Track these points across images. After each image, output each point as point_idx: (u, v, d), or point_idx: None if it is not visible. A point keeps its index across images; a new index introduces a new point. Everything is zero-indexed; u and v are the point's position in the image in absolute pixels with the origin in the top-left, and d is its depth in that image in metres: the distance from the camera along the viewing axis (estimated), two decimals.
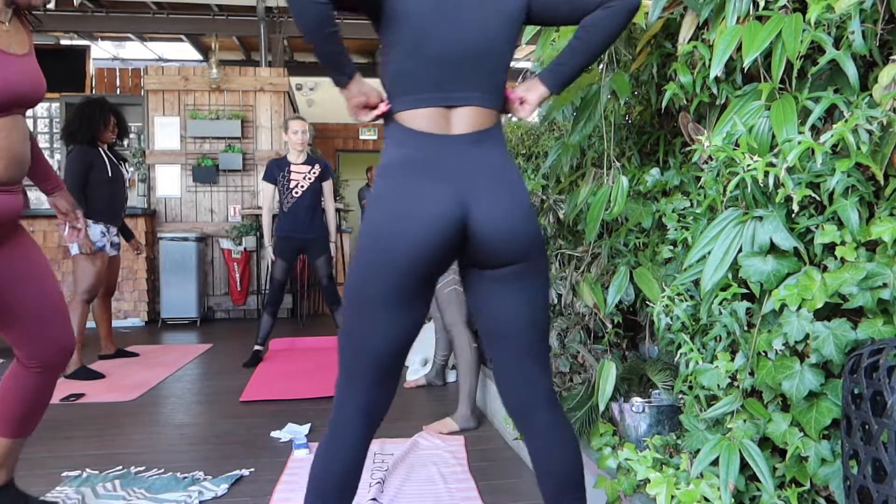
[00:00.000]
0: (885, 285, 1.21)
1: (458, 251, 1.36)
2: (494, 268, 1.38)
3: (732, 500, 1.41)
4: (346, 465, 1.41)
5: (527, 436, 1.46)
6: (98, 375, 3.82)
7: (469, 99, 1.36)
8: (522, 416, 1.45)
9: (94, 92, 6.73)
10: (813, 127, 1.35)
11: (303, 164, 4.30)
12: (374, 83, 1.38)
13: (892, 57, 1.28)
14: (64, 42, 6.78)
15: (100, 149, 3.98)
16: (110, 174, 3.96)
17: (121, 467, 2.44)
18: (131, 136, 6.51)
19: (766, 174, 1.31)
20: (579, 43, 1.40)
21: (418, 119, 1.35)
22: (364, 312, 1.35)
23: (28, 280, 1.91)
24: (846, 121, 1.25)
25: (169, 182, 6.49)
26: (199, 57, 7.22)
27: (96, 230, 3.87)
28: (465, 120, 1.37)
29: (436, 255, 1.31)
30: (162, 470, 2.42)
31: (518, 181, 1.38)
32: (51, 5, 1.81)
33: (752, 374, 1.43)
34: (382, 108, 1.38)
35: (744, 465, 1.38)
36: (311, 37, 1.26)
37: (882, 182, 1.28)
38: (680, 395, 1.83)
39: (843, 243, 1.28)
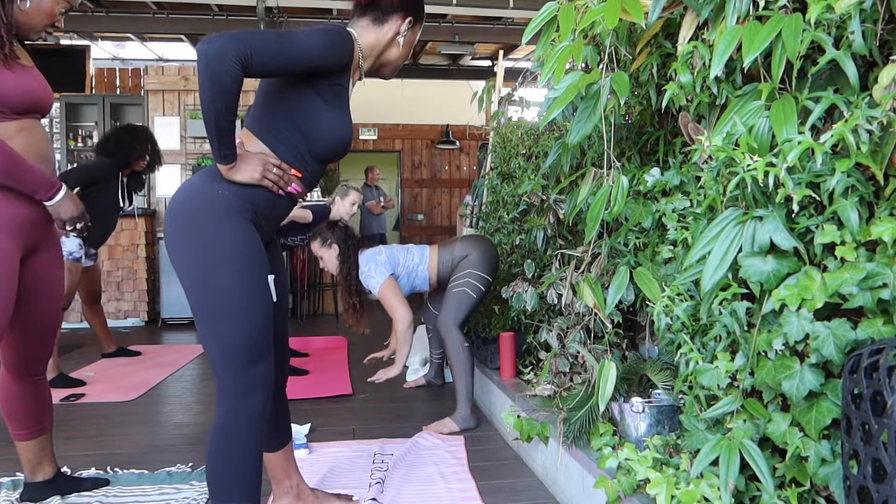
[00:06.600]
0: (885, 285, 1.21)
1: None
2: None
3: (732, 500, 1.41)
4: None
5: None
6: (79, 383, 3.73)
7: None
8: None
9: (93, 91, 6.73)
10: (813, 127, 1.35)
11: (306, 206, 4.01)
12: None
13: (892, 57, 1.28)
14: (64, 42, 6.77)
15: (120, 174, 3.94)
16: (111, 203, 3.91)
17: (117, 468, 2.44)
18: None
19: (766, 174, 1.31)
20: None
21: None
22: None
23: (45, 300, 2.02)
24: (846, 121, 1.25)
25: (169, 182, 6.48)
26: None
27: (74, 242, 3.81)
28: None
29: None
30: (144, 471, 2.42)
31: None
32: None
33: (752, 374, 1.43)
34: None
35: (744, 465, 1.38)
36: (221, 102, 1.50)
37: (882, 182, 1.28)
38: (680, 395, 1.83)
39: (843, 243, 1.28)
